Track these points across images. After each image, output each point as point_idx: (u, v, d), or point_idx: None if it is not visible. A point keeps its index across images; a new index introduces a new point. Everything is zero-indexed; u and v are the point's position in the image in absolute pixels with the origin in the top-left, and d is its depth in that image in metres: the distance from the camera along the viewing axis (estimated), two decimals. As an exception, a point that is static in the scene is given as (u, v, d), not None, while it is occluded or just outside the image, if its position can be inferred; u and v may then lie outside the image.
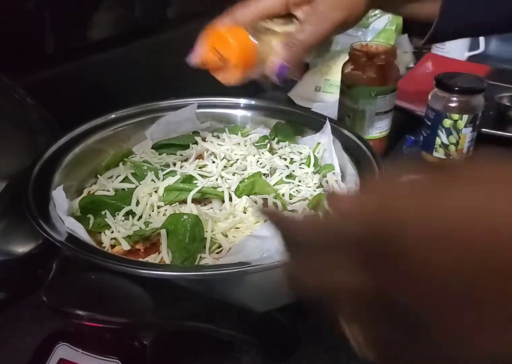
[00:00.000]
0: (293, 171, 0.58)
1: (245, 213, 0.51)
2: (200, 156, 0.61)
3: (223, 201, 0.53)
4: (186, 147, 0.62)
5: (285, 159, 0.61)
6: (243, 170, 0.57)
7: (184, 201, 0.52)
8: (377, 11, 0.97)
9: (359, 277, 0.24)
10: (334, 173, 0.58)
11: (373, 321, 0.24)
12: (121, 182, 0.57)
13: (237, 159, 0.59)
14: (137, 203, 0.52)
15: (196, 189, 0.52)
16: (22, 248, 0.48)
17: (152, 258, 0.47)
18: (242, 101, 0.68)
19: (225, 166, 0.57)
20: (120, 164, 0.59)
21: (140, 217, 0.51)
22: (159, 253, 0.47)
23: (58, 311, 0.39)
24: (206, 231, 0.48)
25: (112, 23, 0.78)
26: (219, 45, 0.49)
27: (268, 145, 0.62)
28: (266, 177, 0.56)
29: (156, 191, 0.53)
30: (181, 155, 0.61)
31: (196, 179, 0.55)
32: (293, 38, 0.49)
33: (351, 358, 0.48)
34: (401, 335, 0.23)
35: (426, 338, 0.23)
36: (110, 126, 0.63)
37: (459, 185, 0.22)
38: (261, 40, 0.49)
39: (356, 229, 0.24)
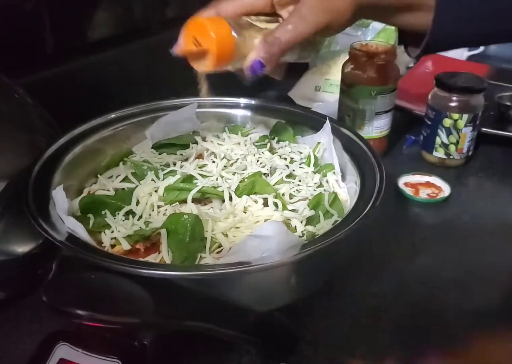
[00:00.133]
0: (293, 170, 0.58)
1: (245, 212, 0.51)
2: (200, 156, 0.60)
3: (223, 201, 0.53)
4: (186, 146, 0.62)
5: (285, 159, 0.61)
6: (243, 170, 0.57)
7: (184, 201, 0.52)
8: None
9: None
10: (334, 172, 0.58)
11: None
12: (121, 181, 0.57)
13: (237, 159, 0.59)
14: (137, 202, 0.52)
15: (196, 189, 0.52)
16: (22, 248, 0.48)
17: (152, 258, 0.47)
18: (242, 101, 0.68)
19: (225, 166, 0.57)
20: (120, 163, 0.59)
21: (140, 216, 0.51)
22: (159, 253, 0.47)
23: (58, 311, 0.38)
24: (206, 231, 0.48)
25: (112, 23, 0.78)
26: (199, 35, 0.48)
27: (268, 144, 0.62)
28: (266, 177, 0.56)
29: (156, 191, 0.53)
30: (181, 154, 0.61)
31: (196, 179, 0.54)
32: (270, 35, 0.48)
33: (351, 358, 0.48)
34: None
35: None
36: (110, 126, 0.63)
37: None
38: (243, 35, 0.49)
39: None
